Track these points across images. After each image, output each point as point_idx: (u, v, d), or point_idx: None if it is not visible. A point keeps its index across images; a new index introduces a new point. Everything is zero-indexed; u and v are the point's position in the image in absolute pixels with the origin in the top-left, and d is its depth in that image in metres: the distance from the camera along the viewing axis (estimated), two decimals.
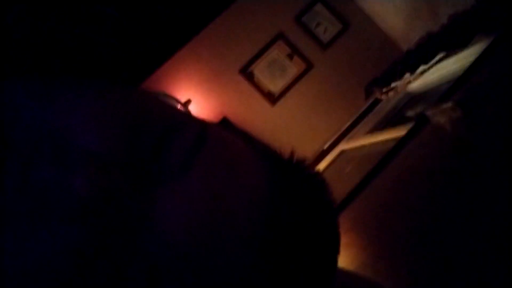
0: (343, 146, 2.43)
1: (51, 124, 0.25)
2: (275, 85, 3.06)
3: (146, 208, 0.25)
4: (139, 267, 0.24)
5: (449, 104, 1.11)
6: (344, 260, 1.16)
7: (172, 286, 0.25)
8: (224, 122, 2.90)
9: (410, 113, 1.56)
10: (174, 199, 0.26)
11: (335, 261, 0.35)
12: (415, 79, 1.98)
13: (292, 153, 0.37)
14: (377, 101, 2.53)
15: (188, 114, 0.32)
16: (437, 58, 1.78)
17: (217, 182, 0.28)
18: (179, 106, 2.68)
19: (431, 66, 1.81)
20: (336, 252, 0.35)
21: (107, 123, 0.27)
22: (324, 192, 0.36)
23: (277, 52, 3.09)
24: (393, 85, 2.23)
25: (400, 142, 1.33)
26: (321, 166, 2.51)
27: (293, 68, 3.09)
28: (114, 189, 0.24)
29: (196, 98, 2.95)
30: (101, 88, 0.29)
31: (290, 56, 3.09)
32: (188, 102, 2.86)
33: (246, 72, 3.07)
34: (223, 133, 0.33)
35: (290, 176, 0.33)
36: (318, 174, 0.37)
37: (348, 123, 2.73)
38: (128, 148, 0.26)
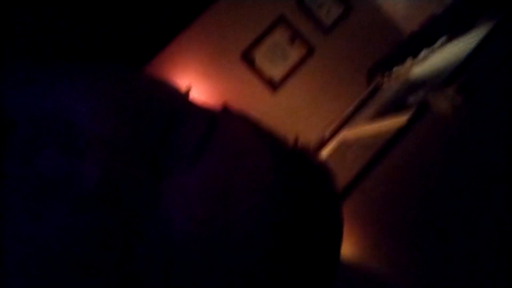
0: (344, 133, 2.42)
1: (56, 109, 0.25)
2: (276, 71, 3.03)
3: (156, 195, 0.25)
4: (147, 255, 0.24)
5: (450, 89, 1.09)
6: (344, 249, 1.16)
7: (179, 274, 0.25)
8: (225, 109, 2.89)
9: (412, 99, 1.54)
10: (184, 188, 0.25)
11: (339, 252, 0.35)
12: (417, 64, 1.95)
13: (296, 141, 0.37)
14: (379, 87, 2.51)
15: (195, 100, 0.32)
16: (440, 41, 1.75)
17: (226, 172, 0.27)
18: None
19: (434, 50, 1.78)
20: (340, 243, 0.35)
21: (114, 108, 0.26)
22: (328, 182, 0.35)
23: (279, 36, 3.06)
24: (395, 70, 2.20)
25: (401, 130, 1.32)
26: (323, 153, 2.50)
27: (295, 53, 3.05)
28: (125, 175, 0.24)
29: (196, 84, 2.93)
30: (107, 72, 0.29)
31: (291, 40, 3.05)
32: (189, 88, 2.84)
33: (248, 58, 3.04)
34: (232, 120, 0.33)
35: (295, 164, 0.33)
36: (323, 163, 0.36)
37: (350, 109, 2.71)
38: (135, 133, 0.26)
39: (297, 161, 0.34)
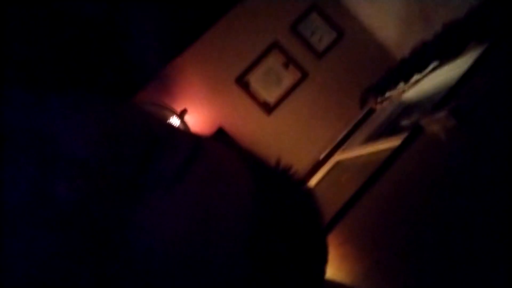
0: (338, 156, 2.43)
1: (41, 130, 0.26)
2: (270, 95, 3.07)
3: (130, 218, 0.25)
4: (119, 275, 0.24)
5: (443, 113, 1.11)
6: (341, 271, 1.15)
7: None
8: (220, 132, 2.90)
9: (405, 122, 1.56)
10: (161, 209, 0.26)
11: (322, 270, 0.35)
12: (409, 88, 1.98)
13: (279, 163, 0.37)
14: (371, 110, 2.54)
15: (179, 127, 0.33)
16: (431, 66, 1.78)
17: (206, 195, 0.28)
18: (174, 116, 2.67)
19: (425, 75, 1.82)
20: (323, 260, 0.35)
21: (95, 133, 0.27)
22: (308, 200, 0.36)
23: (273, 61, 3.10)
24: (387, 94, 2.23)
25: (395, 152, 1.33)
26: (317, 176, 2.50)
27: (289, 77, 3.09)
28: (96, 195, 0.24)
29: (192, 107, 2.95)
30: (91, 100, 0.30)
31: (285, 65, 3.10)
32: (184, 111, 2.85)
33: (242, 82, 3.07)
34: (215, 146, 0.33)
35: (277, 187, 0.34)
36: (303, 182, 0.37)
37: (344, 133, 2.73)
38: (114, 157, 0.26)
39: (279, 183, 0.34)
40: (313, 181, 2.45)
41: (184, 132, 0.32)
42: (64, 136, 0.26)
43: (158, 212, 0.26)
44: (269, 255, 0.30)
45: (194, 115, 2.94)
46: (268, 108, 3.05)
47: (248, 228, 0.29)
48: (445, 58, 1.66)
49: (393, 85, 2.10)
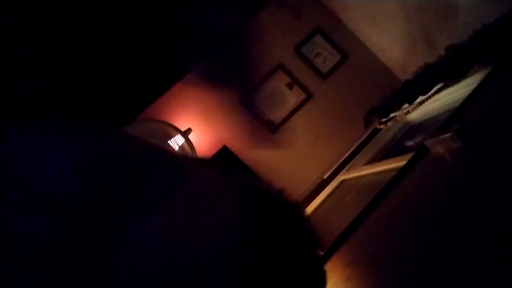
0: (343, 175, 2.42)
1: (21, 170, 0.26)
2: (275, 114, 3.09)
3: (107, 252, 0.25)
4: None
5: (448, 134, 1.11)
6: None
7: None
8: (224, 151, 2.91)
9: (409, 143, 1.57)
10: (144, 230, 0.26)
11: None
12: (413, 109, 2.00)
13: (270, 185, 0.37)
14: (376, 131, 2.54)
15: (166, 152, 0.32)
16: (435, 88, 1.80)
17: (190, 215, 0.28)
18: (179, 135, 2.69)
19: (430, 97, 1.83)
20: (320, 283, 0.34)
21: (80, 168, 0.27)
22: (300, 222, 0.36)
23: (277, 82, 3.13)
24: (391, 115, 2.24)
25: (401, 172, 1.33)
26: (322, 195, 2.49)
27: (293, 98, 3.12)
28: (74, 236, 0.25)
29: (196, 126, 2.96)
30: (79, 131, 0.30)
31: (290, 86, 3.13)
32: (189, 131, 2.87)
33: (246, 101, 3.09)
34: (202, 167, 0.33)
35: (265, 209, 0.34)
36: (295, 204, 0.37)
37: (348, 153, 2.73)
38: (97, 193, 0.26)
39: (269, 206, 0.34)
40: (317, 201, 2.45)
41: (167, 157, 0.32)
42: (47, 174, 0.26)
43: (141, 233, 0.26)
44: (256, 276, 0.29)
45: (199, 133, 2.96)
46: (272, 127, 3.07)
47: (233, 248, 0.29)
48: (449, 80, 1.67)
49: (397, 106, 2.11)
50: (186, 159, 0.33)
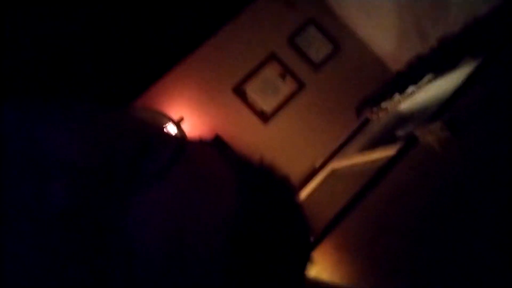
0: (334, 164, 2.45)
1: (31, 138, 0.27)
2: (267, 104, 3.09)
3: (120, 215, 0.26)
4: (115, 272, 0.25)
5: (437, 124, 1.13)
6: (337, 274, 1.16)
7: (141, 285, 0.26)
8: (217, 140, 2.91)
9: (400, 132, 1.59)
10: (145, 206, 0.27)
11: (303, 268, 0.36)
12: (404, 99, 2.02)
13: (261, 160, 0.39)
14: (367, 120, 2.57)
15: (167, 132, 0.34)
16: (426, 79, 1.81)
17: (187, 193, 0.29)
18: (171, 123, 2.68)
19: (420, 87, 1.85)
20: (305, 255, 0.36)
21: (86, 138, 0.28)
22: (290, 196, 0.38)
23: (270, 72, 3.13)
24: (383, 105, 2.26)
25: (390, 161, 1.35)
26: (313, 183, 2.52)
27: (286, 88, 3.12)
28: (89, 197, 0.26)
29: (189, 116, 2.96)
30: (82, 109, 0.31)
31: (282, 76, 3.13)
32: (181, 120, 2.87)
33: (239, 91, 3.10)
34: (200, 148, 0.35)
35: (259, 185, 0.35)
36: (285, 178, 0.38)
37: (340, 142, 2.76)
38: (105, 160, 0.27)
39: (262, 181, 0.36)
40: (309, 189, 2.47)
41: (170, 135, 0.33)
42: (55, 143, 0.27)
43: (144, 210, 0.27)
44: (251, 251, 0.31)
45: (192, 123, 2.96)
46: (265, 117, 3.08)
47: (230, 225, 0.30)
48: (439, 71, 1.69)
49: (389, 96, 2.13)
50: (186, 139, 0.35)
